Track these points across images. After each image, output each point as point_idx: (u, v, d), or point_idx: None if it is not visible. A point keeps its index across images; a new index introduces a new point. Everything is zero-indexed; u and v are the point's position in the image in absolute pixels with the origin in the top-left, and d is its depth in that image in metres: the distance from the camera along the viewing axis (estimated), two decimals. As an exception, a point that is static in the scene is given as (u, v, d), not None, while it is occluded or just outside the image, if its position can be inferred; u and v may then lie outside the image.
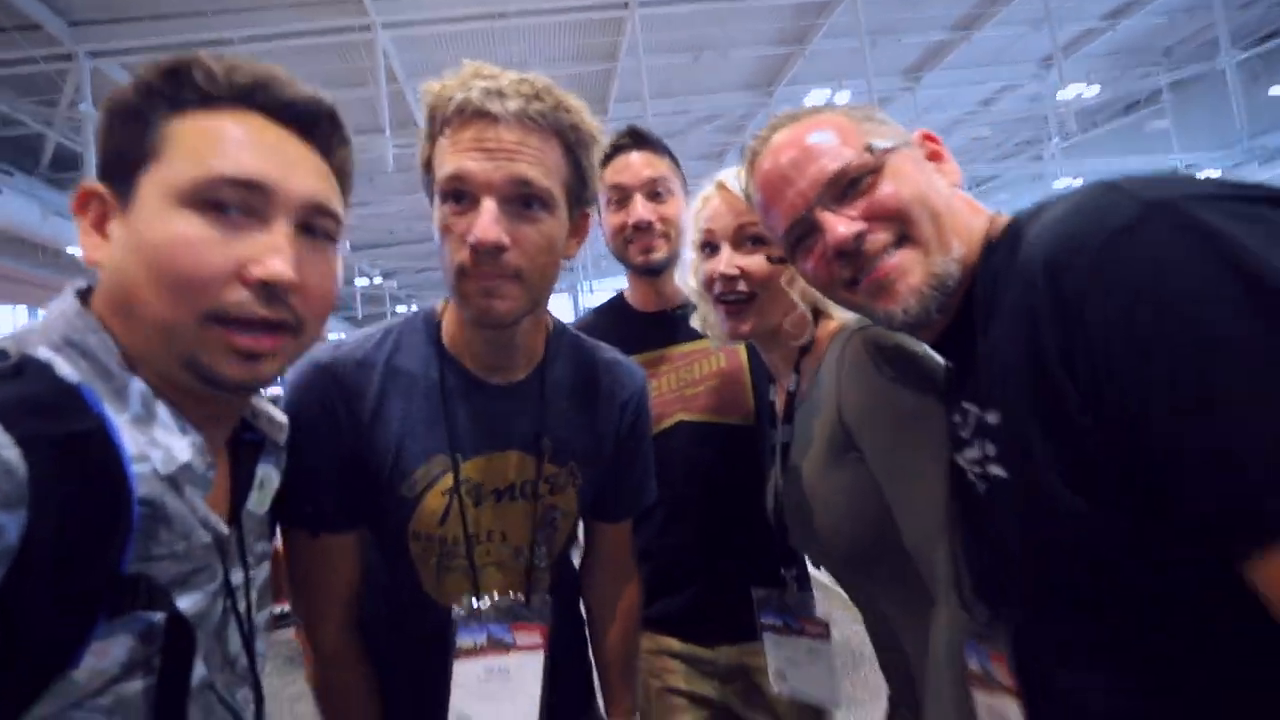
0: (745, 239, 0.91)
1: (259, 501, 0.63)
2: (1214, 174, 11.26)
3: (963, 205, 0.66)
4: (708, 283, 0.93)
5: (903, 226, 0.63)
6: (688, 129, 10.56)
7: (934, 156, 0.69)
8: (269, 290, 0.51)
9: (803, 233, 0.68)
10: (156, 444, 0.50)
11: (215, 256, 0.50)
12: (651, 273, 1.23)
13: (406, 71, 8.27)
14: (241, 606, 0.58)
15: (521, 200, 0.71)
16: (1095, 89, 9.39)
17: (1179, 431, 0.43)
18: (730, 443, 1.17)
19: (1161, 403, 0.43)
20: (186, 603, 0.51)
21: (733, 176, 0.93)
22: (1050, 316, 0.49)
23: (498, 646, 0.82)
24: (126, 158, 0.51)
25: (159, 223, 0.49)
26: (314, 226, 0.56)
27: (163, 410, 0.51)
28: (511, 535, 0.87)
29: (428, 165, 0.76)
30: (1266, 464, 0.40)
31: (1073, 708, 0.54)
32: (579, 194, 0.77)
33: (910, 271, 0.63)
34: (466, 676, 0.81)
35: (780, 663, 1.03)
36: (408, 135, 9.06)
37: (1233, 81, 9.11)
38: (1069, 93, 8.96)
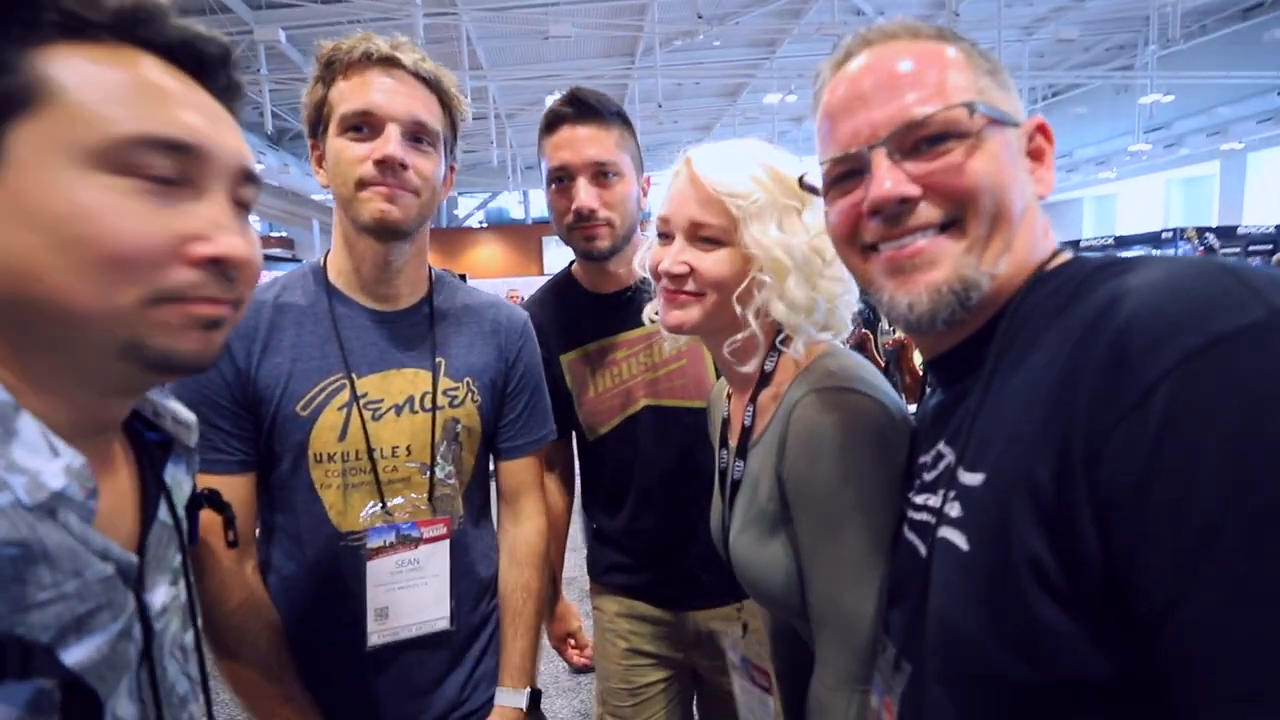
0: (700, 238, 0.80)
1: (169, 511, 0.55)
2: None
3: (1035, 223, 0.56)
4: (653, 271, 0.85)
5: (960, 211, 0.53)
6: (740, 10, 9.64)
7: (1036, 154, 0.57)
8: (222, 270, 0.45)
9: (849, 170, 0.58)
10: (17, 468, 0.40)
11: (152, 231, 0.42)
12: (596, 259, 1.16)
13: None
14: (171, 630, 0.52)
15: (414, 135, 0.86)
16: (1213, -14, 8.22)
17: (1185, 598, 0.37)
18: (696, 426, 1.14)
19: (1180, 559, 0.37)
20: (81, 652, 0.42)
21: (703, 156, 0.80)
22: (1099, 399, 0.40)
23: (406, 542, 0.90)
24: None
25: (65, 189, 0.40)
26: (242, 197, 0.49)
27: (27, 425, 0.41)
28: (416, 449, 0.91)
29: (319, 106, 0.87)
30: (1263, 672, 0.34)
31: None
32: (450, 147, 0.94)
33: (939, 263, 0.54)
34: (379, 573, 0.88)
35: (744, 710, 1.00)
36: (440, 3, 8.44)
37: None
38: (1181, -11, 7.86)
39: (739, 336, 0.80)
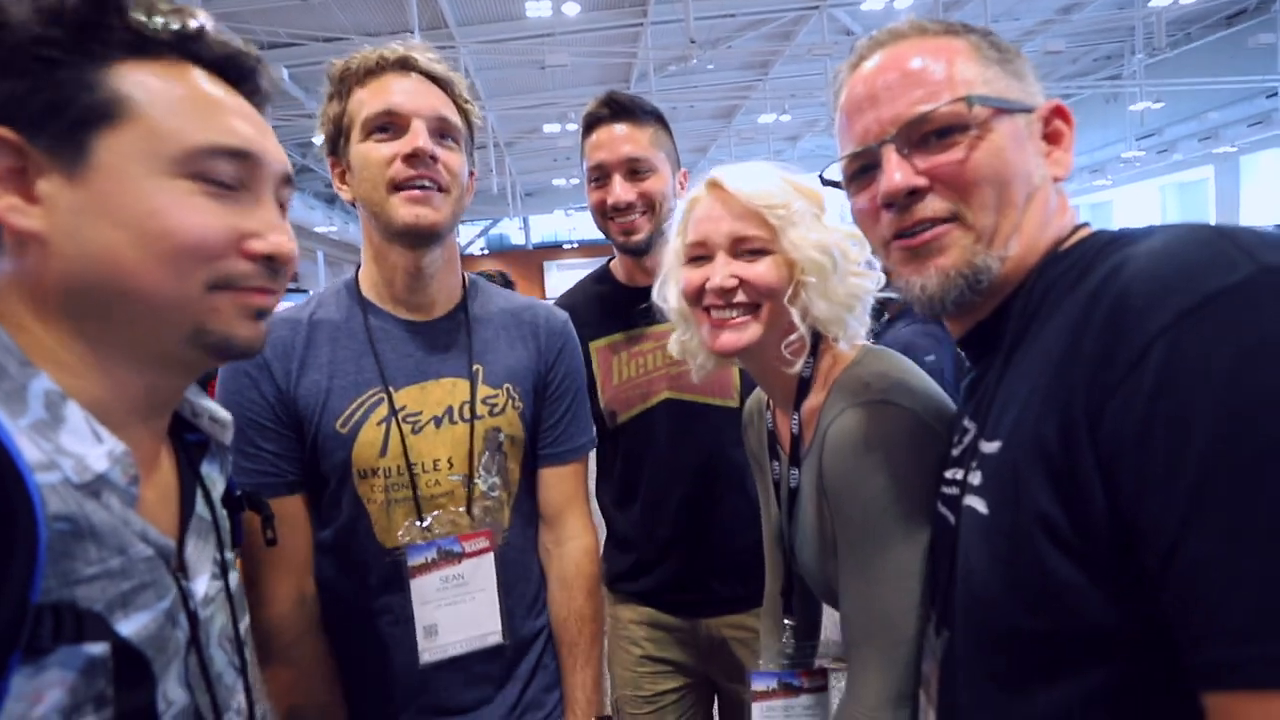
0: (743, 251, 0.78)
1: (206, 506, 0.58)
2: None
3: (1047, 204, 0.58)
4: (694, 293, 0.80)
5: (964, 203, 0.56)
6: (732, 34, 9.85)
7: (1053, 137, 0.59)
8: (272, 265, 0.51)
9: (865, 164, 0.61)
10: (64, 452, 0.44)
11: (220, 227, 0.49)
12: (634, 252, 1.20)
13: (435, -34, 7.78)
14: (218, 621, 0.55)
15: (439, 131, 0.85)
16: (1195, -5, 8.37)
17: (1185, 540, 0.38)
18: (715, 422, 1.15)
19: (1179, 504, 0.38)
20: (131, 626, 0.45)
21: (731, 175, 0.80)
22: (1099, 361, 0.43)
23: (448, 557, 0.87)
24: (62, 110, 0.45)
25: (146, 192, 0.46)
26: (283, 198, 0.55)
27: (73, 413, 0.45)
28: (457, 461, 0.89)
29: (337, 121, 0.86)
30: (1260, 608, 0.36)
31: None
32: (469, 148, 0.92)
33: (947, 251, 0.57)
34: (424, 590, 0.86)
35: None
36: (438, 38, 8.65)
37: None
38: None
39: (793, 337, 0.79)
